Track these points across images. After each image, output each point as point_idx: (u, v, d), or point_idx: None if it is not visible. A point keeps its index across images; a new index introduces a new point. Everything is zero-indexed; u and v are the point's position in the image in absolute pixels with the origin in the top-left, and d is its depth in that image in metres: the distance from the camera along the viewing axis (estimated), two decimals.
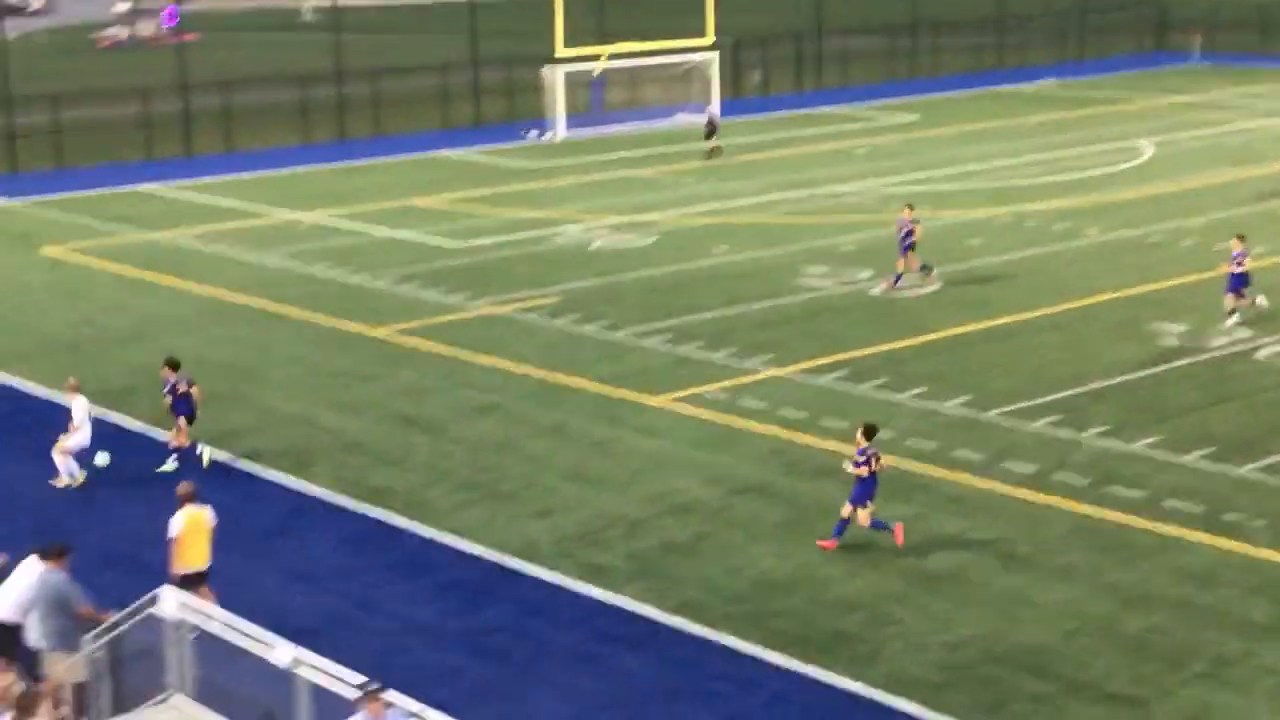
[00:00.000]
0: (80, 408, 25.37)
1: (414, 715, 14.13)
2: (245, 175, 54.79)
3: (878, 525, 22.10)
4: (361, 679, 14.48)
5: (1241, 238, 33.00)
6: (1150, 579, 20.90)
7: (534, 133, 62.12)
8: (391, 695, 14.26)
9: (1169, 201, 45.66)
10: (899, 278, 35.99)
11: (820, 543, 22.09)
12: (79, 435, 25.32)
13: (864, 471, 22.08)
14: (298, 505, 24.33)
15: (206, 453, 25.95)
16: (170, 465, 25.62)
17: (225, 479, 25.06)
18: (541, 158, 57.22)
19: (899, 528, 22.04)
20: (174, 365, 26.21)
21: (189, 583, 18.64)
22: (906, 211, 36.21)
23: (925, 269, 36.33)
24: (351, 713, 14.13)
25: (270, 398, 29.63)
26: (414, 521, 23.38)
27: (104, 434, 26.13)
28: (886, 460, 22.84)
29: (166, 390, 26.05)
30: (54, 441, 25.33)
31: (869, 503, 22.09)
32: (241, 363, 31.92)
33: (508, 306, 35.65)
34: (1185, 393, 28.37)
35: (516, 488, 24.73)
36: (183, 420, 25.91)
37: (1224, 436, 26.00)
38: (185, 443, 25.96)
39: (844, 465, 22.64)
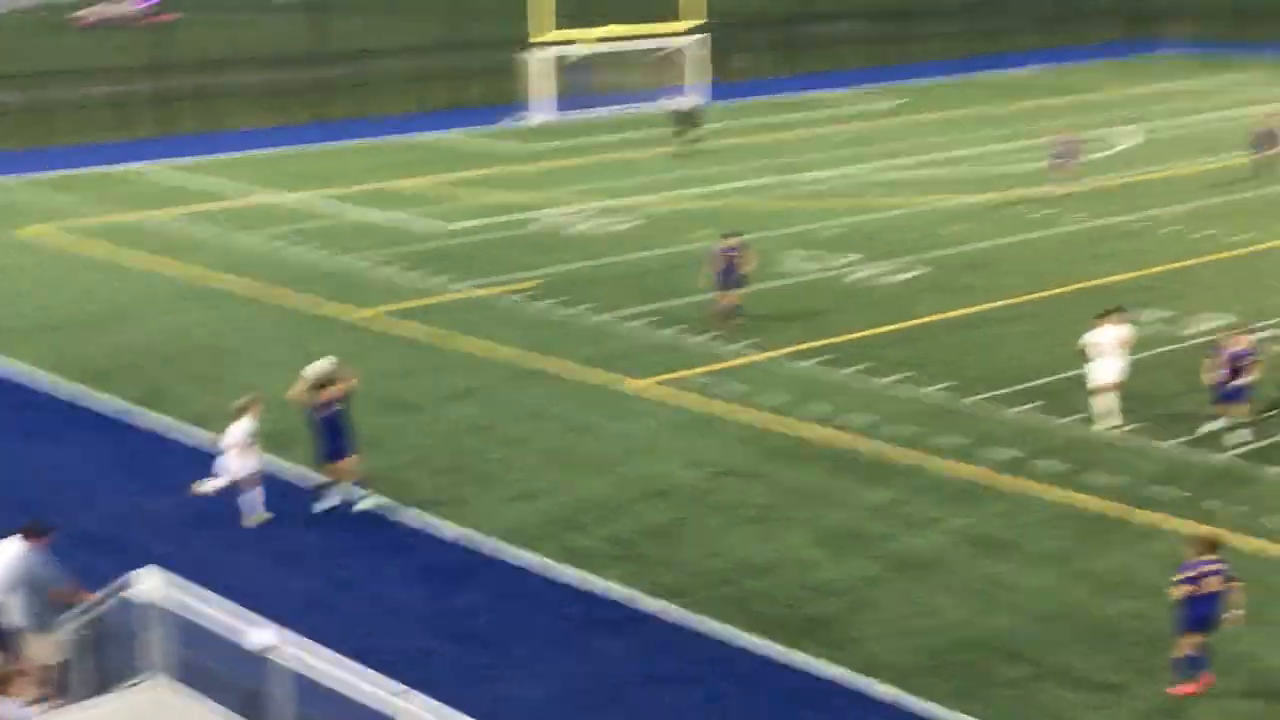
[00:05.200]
0: (246, 431, 22.80)
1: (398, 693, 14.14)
2: (225, 156, 54.66)
3: (1194, 663, 17.72)
4: (340, 658, 14.50)
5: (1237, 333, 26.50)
6: (1128, 565, 20.98)
7: (516, 117, 62.05)
8: (373, 676, 14.27)
9: (1148, 189, 45.78)
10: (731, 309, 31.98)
11: (1174, 690, 17.71)
12: (243, 462, 22.81)
13: (1187, 591, 17.42)
14: (279, 487, 24.27)
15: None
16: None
17: (207, 461, 24.99)
18: (523, 141, 57.16)
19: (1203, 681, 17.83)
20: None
21: None
22: (729, 240, 32.10)
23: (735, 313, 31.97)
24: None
25: (252, 378, 29.53)
26: (393, 504, 23.37)
27: (83, 419, 26.09)
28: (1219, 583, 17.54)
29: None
30: (31, 428, 24.74)
31: (1204, 629, 17.58)
32: (223, 344, 31.86)
33: (489, 290, 35.62)
34: (1164, 380, 28.46)
35: (496, 471, 24.73)
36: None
37: (1200, 424, 26.07)
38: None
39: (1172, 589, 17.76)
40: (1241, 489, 23.45)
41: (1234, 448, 24.97)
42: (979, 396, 27.69)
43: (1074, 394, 27.63)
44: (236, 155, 54.83)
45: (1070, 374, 28.73)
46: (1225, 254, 37.74)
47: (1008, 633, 19.24)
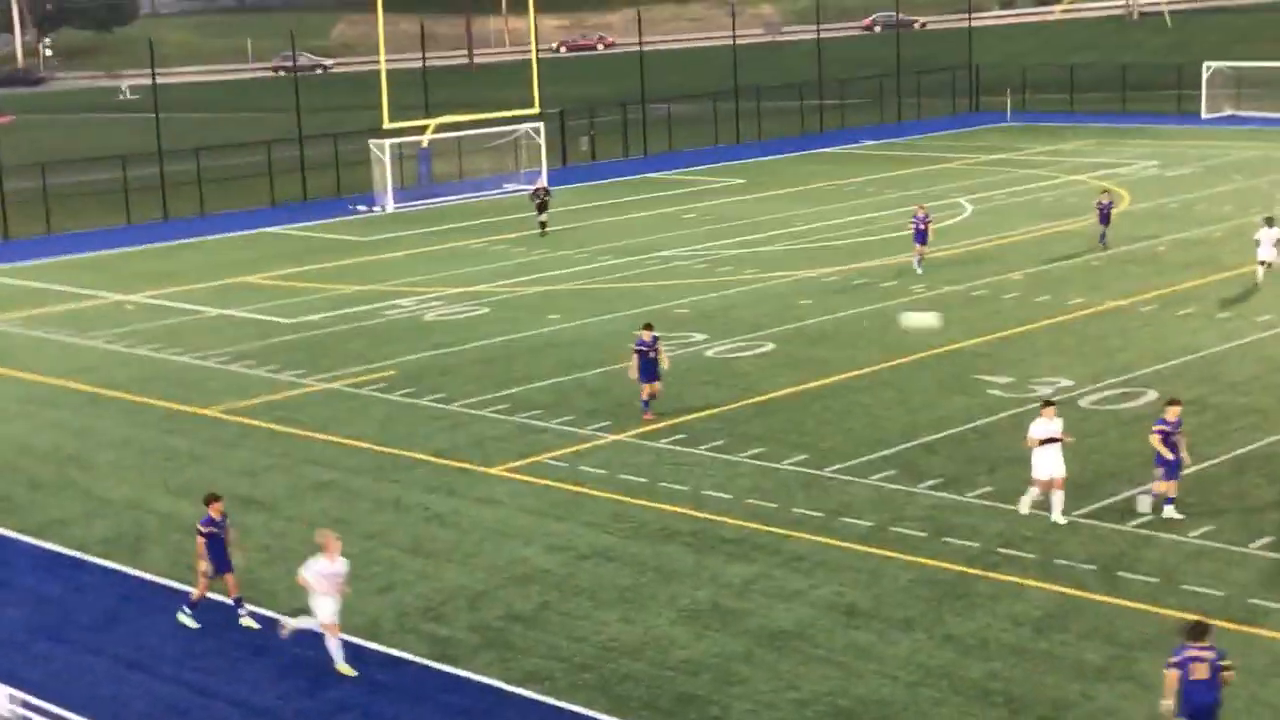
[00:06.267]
0: (327, 571, 20.67)
1: None
2: (66, 257, 53.76)
3: None
4: None
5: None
6: (988, 627, 21.26)
7: (362, 206, 61.87)
8: None
9: (987, 256, 46.79)
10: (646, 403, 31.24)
11: None
12: (324, 605, 20.69)
13: (1175, 677, 16.70)
14: (130, 592, 23.75)
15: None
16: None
17: (50, 569, 24.40)
18: (370, 231, 56.95)
19: None
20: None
21: None
22: (644, 333, 31.14)
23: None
24: None
25: (98, 483, 28.97)
26: (251, 603, 22.95)
27: None
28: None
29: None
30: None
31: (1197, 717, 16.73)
32: (67, 448, 31.19)
33: (342, 382, 35.33)
34: (1013, 443, 28.97)
35: (356, 565, 24.34)
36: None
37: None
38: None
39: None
40: (1091, 548, 23.89)
41: (1084, 507, 25.43)
42: (835, 467, 27.96)
43: (927, 461, 28.04)
44: (78, 256, 53.94)
45: (923, 441, 29.17)
46: (1062, 317, 38.65)
47: (876, 700, 19.35)
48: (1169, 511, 24.68)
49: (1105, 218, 47.12)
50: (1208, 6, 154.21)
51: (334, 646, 20.69)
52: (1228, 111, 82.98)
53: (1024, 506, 25.11)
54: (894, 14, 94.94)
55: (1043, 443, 24.61)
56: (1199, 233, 49.48)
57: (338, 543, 20.81)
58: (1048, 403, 25.17)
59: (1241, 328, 36.88)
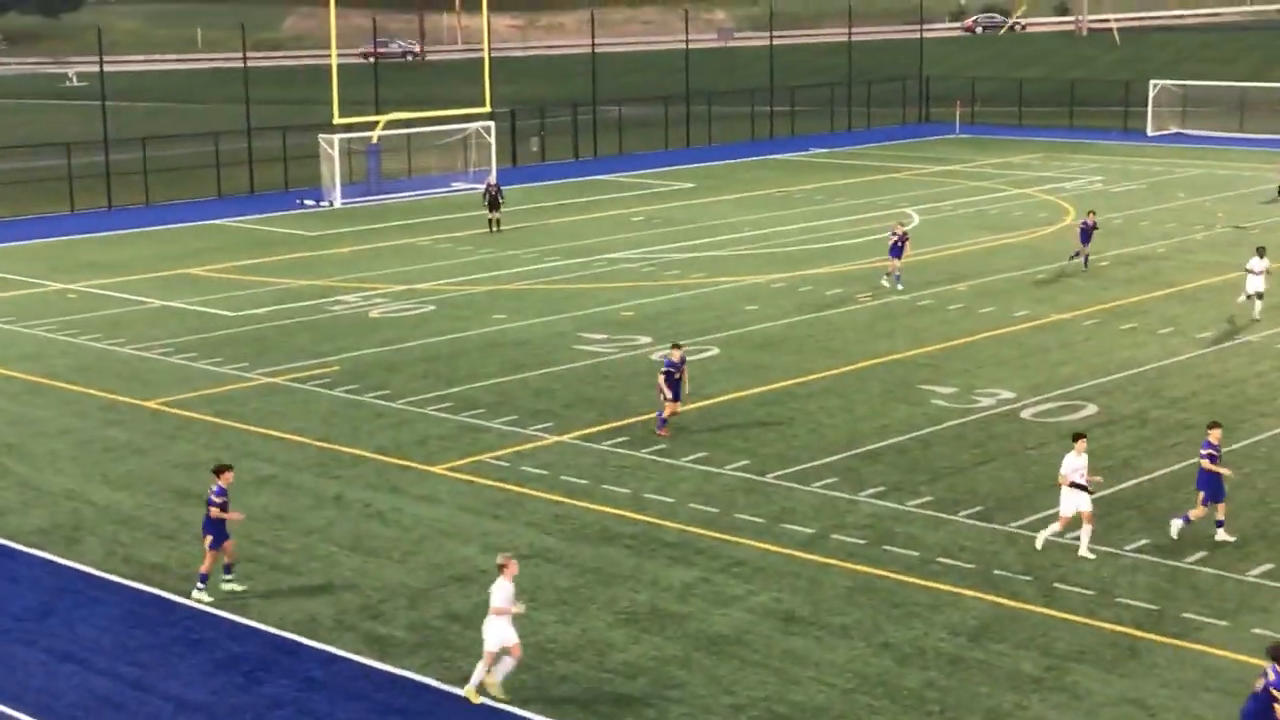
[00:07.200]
0: (508, 595, 19.69)
1: None
2: (9, 245, 53.24)
3: None
4: None
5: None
6: (926, 636, 21.39)
7: (310, 201, 61.60)
8: None
9: (934, 267, 47.03)
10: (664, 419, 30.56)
11: None
12: (499, 631, 19.68)
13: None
14: (65, 584, 23.56)
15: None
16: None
17: None
18: (318, 226, 56.70)
19: None
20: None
21: None
22: (674, 352, 30.59)
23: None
24: None
25: (36, 473, 28.72)
26: (189, 598, 22.82)
27: None
28: None
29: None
30: None
31: None
32: (5, 437, 30.89)
33: (286, 376, 35.16)
34: (955, 453, 29.18)
35: (296, 560, 24.32)
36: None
37: (992, 495, 26.79)
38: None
39: None
40: (1029, 559, 24.06)
41: (1021, 519, 25.62)
42: (777, 474, 28.04)
43: (868, 469, 28.17)
44: (21, 244, 53.45)
45: (866, 449, 29.31)
46: (1006, 329, 38.91)
47: (812, 707, 19.43)
48: (1222, 534, 24.50)
49: (1086, 237, 45.92)
50: (1156, 25, 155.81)
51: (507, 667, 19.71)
52: (1173, 130, 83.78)
53: (1040, 541, 24.36)
54: (846, 25, 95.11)
55: (1073, 484, 23.97)
56: (1143, 249, 49.92)
57: (514, 565, 19.78)
58: (1078, 435, 24.33)
59: (1183, 344, 37.23)
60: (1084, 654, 20.72)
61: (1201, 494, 24.46)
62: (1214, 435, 24.55)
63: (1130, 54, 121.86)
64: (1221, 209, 57.78)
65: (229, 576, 23.02)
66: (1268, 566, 23.66)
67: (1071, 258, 46.43)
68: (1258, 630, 21.30)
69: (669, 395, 30.20)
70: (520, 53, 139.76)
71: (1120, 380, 34.11)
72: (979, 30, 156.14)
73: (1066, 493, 24.06)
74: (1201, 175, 67.75)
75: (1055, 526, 24.34)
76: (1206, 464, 24.33)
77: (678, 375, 30.31)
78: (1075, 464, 24.02)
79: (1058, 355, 36.28)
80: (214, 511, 22.54)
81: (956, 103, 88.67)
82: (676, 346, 30.88)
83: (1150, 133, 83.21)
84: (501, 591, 19.50)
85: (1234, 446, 28.49)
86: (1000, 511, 25.99)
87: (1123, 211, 57.40)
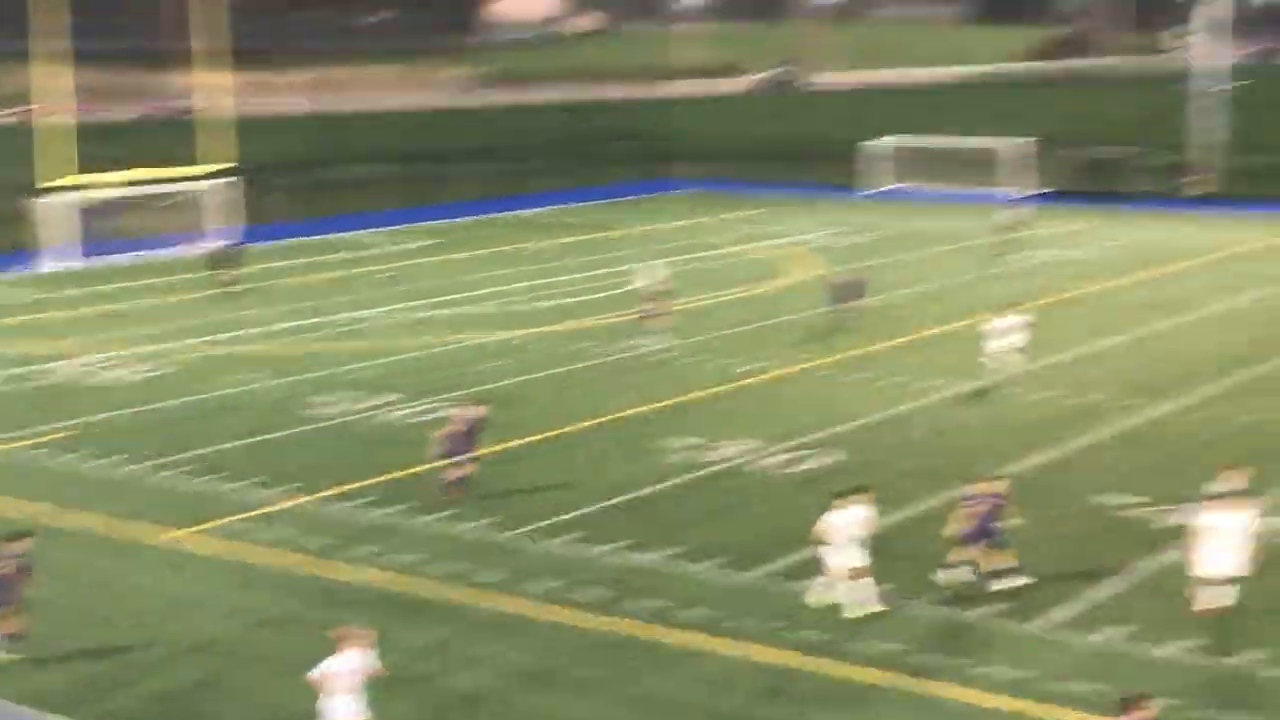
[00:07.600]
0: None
1: None
2: None
3: None
4: None
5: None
6: (670, 687, 21.64)
7: (22, 267, 59.57)
8: None
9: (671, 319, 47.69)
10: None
11: None
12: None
13: None
14: None
15: None
16: None
17: None
18: (33, 290, 54.94)
19: None
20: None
21: None
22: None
23: None
24: None
25: None
26: None
27: None
28: None
29: None
30: None
31: None
32: None
33: (6, 445, 33.96)
34: (692, 506, 29.64)
35: (28, 632, 23.47)
36: None
37: (729, 546, 27.23)
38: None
39: None
40: (765, 604, 24.56)
41: (757, 569, 26.13)
42: (518, 530, 28.12)
43: (611, 523, 28.43)
44: None
45: (607, 504, 29.59)
46: (739, 383, 39.70)
47: None
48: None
49: (850, 295, 45.53)
50: (878, 86, 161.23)
51: None
52: (894, 185, 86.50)
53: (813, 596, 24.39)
54: (579, 82, 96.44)
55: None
56: (872, 301, 51.41)
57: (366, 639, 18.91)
58: (851, 491, 24.32)
59: (917, 390, 38.41)
60: (826, 699, 21.18)
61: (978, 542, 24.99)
62: (979, 487, 25.22)
63: (855, 112, 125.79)
64: (945, 262, 59.86)
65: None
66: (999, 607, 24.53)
67: (830, 311, 46.07)
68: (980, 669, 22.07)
69: (462, 454, 29.86)
70: (254, 110, 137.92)
71: (855, 428, 35.00)
72: (769, 88, 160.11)
73: (835, 550, 23.89)
74: (923, 228, 70.09)
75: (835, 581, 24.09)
76: (966, 514, 25.00)
77: (473, 431, 29.99)
78: (849, 519, 23.86)
79: (790, 406, 37.13)
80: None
81: (688, 159, 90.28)
82: (479, 404, 30.70)
83: (868, 191, 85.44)
84: (345, 664, 18.57)
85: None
86: (738, 562, 26.43)
87: (849, 265, 59.04)
